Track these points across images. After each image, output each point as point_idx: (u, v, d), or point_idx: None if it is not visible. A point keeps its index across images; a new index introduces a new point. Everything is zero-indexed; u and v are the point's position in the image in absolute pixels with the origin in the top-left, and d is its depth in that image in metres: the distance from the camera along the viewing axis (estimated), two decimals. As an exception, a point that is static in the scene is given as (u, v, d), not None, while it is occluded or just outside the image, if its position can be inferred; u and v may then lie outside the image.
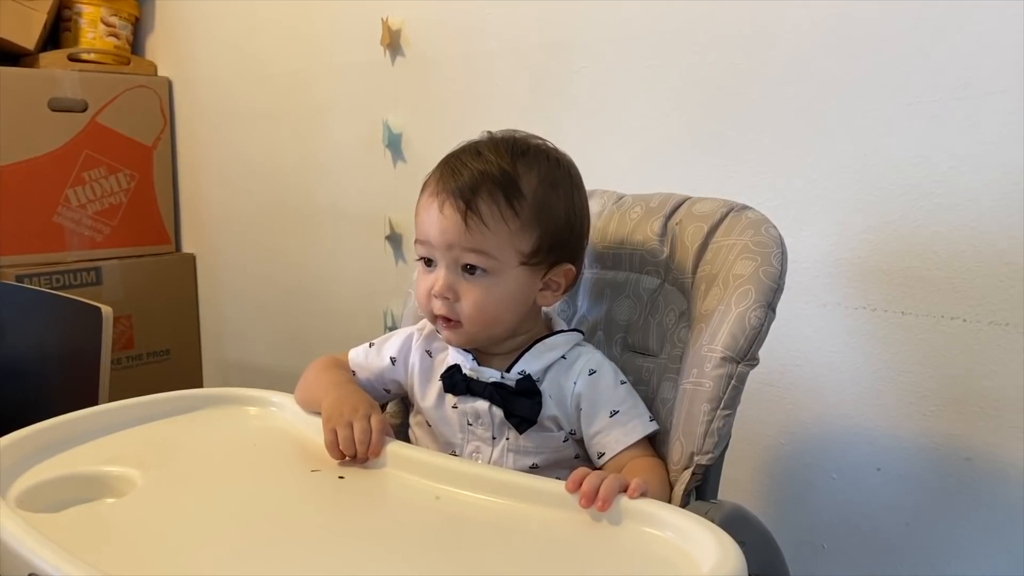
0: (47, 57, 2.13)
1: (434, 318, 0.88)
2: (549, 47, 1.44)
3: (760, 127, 1.21)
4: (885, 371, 1.14)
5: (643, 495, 0.69)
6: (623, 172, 1.34)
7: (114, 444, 0.86)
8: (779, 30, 1.17)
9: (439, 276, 0.85)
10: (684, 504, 0.77)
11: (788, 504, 1.25)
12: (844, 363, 1.17)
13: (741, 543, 0.70)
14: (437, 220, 0.84)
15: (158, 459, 0.83)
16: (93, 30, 2.21)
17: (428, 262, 0.87)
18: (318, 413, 0.87)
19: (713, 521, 0.68)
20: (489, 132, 0.91)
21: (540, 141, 0.90)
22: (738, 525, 0.73)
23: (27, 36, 2.14)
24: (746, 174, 1.22)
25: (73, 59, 2.15)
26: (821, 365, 1.19)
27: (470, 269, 0.84)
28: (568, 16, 1.41)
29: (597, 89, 1.39)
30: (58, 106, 2.08)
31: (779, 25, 1.17)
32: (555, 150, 0.90)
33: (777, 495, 1.25)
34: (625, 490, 0.70)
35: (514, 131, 0.91)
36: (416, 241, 0.88)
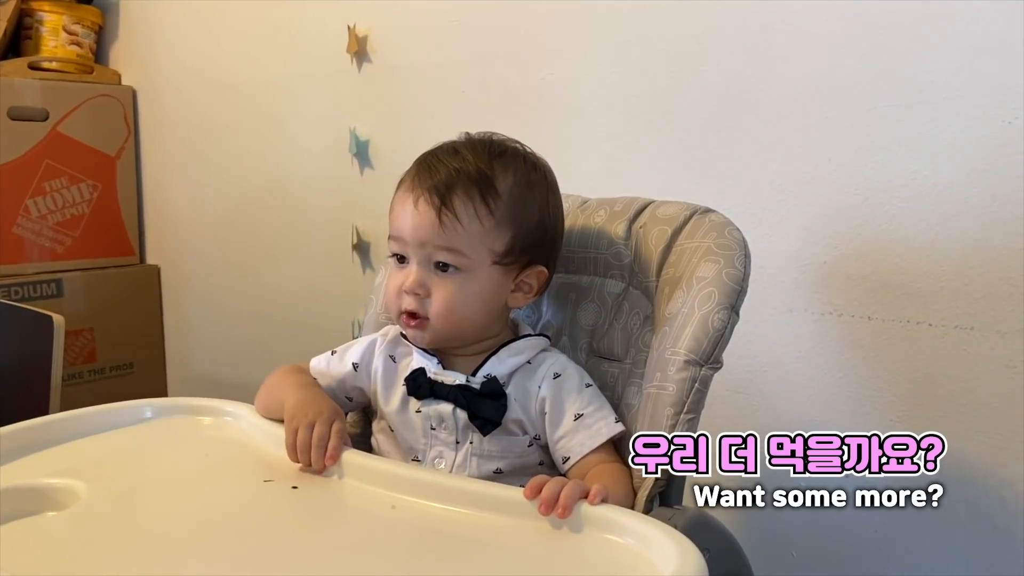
0: (7, 65, 2.09)
1: (400, 315, 0.86)
2: (514, 55, 1.44)
3: (725, 133, 1.21)
4: (852, 376, 1.13)
5: (604, 501, 0.68)
6: (590, 178, 1.33)
7: (60, 456, 0.83)
8: (742, 37, 1.18)
9: (411, 272, 0.84)
10: (647, 510, 0.75)
11: (759, 515, 1.24)
12: (811, 369, 1.16)
13: (705, 550, 0.68)
14: (411, 216, 0.83)
15: (105, 471, 0.80)
16: (55, 38, 2.18)
17: (401, 259, 0.86)
18: (279, 420, 0.85)
19: (676, 527, 0.66)
20: (467, 133, 0.90)
21: (518, 144, 0.90)
22: (702, 531, 0.72)
23: (-15, 44, 2.10)
24: (711, 180, 1.21)
25: (34, 67, 2.12)
26: (788, 371, 1.18)
27: (442, 267, 0.83)
28: (533, 24, 1.41)
29: (563, 96, 1.39)
30: (18, 115, 2.05)
31: (742, 32, 1.17)
32: (532, 153, 0.90)
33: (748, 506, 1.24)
34: (585, 496, 0.68)
35: (492, 133, 0.91)
36: (390, 237, 0.87)
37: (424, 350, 0.88)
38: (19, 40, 2.21)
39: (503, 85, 1.46)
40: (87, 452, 0.85)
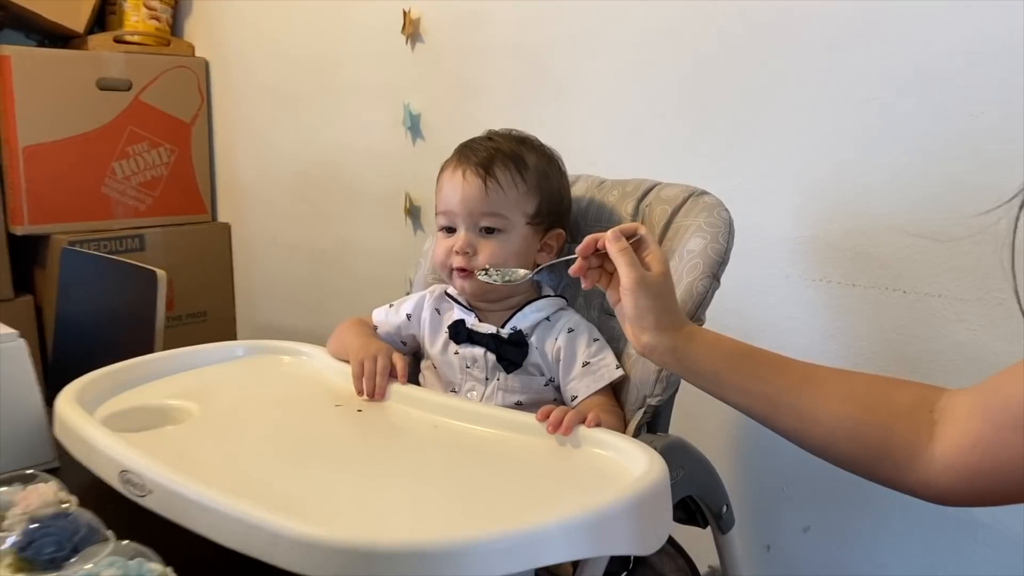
0: (95, 39, 2.29)
1: (450, 272, 1.04)
2: (550, 41, 1.58)
3: (733, 120, 1.34)
4: (839, 336, 1.27)
5: (598, 425, 0.86)
6: (609, 156, 1.48)
7: (174, 383, 1.03)
8: (744, 30, 1.30)
9: (460, 236, 1.03)
10: (635, 435, 0.93)
11: (752, 453, 1.40)
12: (804, 328, 1.30)
13: (680, 467, 0.86)
14: (460, 187, 1.02)
15: (211, 395, 0.99)
16: (136, 13, 2.37)
17: (449, 230, 1.04)
18: (346, 360, 1.04)
19: (656, 448, 0.83)
20: (491, 130, 1.10)
21: (533, 136, 1.10)
22: (678, 453, 0.90)
23: (76, 19, 2.30)
24: (723, 161, 1.35)
25: (119, 41, 2.31)
26: (784, 331, 1.32)
27: (487, 230, 1.02)
28: (568, 14, 1.54)
29: (586, 81, 1.52)
30: (105, 85, 2.25)
31: (743, 25, 1.30)
32: (545, 145, 1.10)
33: (742, 446, 1.40)
34: (583, 421, 0.87)
35: (511, 130, 1.10)
36: (438, 213, 1.06)
37: (463, 306, 1.07)
38: (104, 15, 2.42)
39: (540, 69, 1.60)
40: (195, 381, 1.05)
